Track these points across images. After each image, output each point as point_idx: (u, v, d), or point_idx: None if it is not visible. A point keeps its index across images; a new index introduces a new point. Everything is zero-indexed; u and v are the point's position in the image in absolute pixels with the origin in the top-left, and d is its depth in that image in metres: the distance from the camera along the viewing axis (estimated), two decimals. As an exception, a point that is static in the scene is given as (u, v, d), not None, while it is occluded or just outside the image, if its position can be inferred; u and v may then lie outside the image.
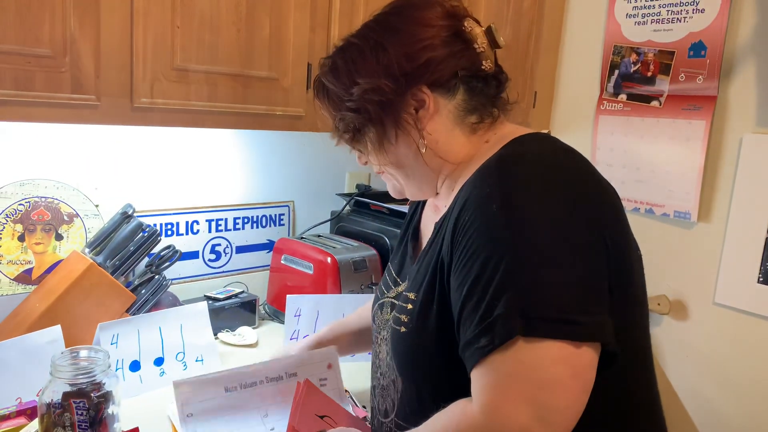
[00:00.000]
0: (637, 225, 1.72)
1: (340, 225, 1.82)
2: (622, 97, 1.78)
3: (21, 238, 1.33)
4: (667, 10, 1.67)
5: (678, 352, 1.71)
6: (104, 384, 0.93)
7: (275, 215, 1.78)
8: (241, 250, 1.72)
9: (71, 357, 0.95)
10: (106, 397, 0.93)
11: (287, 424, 0.92)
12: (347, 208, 1.85)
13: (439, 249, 0.81)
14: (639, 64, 1.74)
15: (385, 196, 1.71)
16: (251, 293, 1.62)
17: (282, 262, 1.64)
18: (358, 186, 1.90)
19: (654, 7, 1.69)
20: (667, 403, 0.89)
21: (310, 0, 1.31)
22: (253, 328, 1.56)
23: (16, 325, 1.22)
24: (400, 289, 0.93)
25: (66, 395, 0.90)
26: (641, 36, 1.73)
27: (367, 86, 0.84)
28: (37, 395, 0.95)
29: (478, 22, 0.89)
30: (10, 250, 1.32)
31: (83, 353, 0.97)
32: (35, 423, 0.95)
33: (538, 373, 0.67)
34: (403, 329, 0.85)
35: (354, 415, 1.04)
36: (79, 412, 0.91)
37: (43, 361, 1.08)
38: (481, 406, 0.69)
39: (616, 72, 1.79)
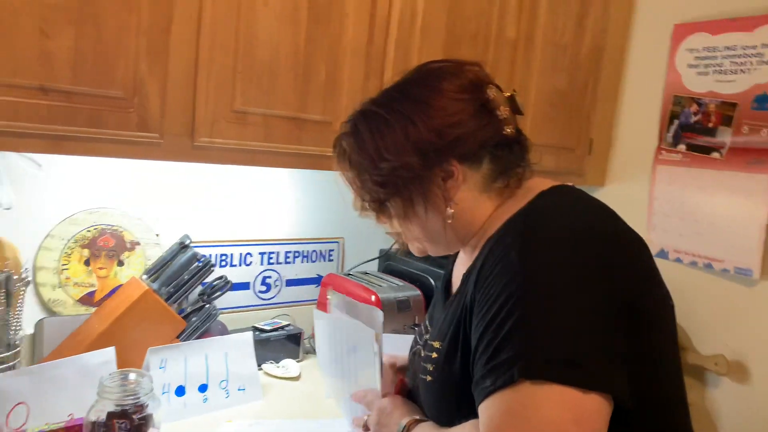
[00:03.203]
0: (694, 280, 1.68)
1: (387, 263, 1.84)
2: (682, 147, 1.74)
3: (87, 263, 1.43)
4: (731, 62, 1.63)
5: (737, 415, 1.61)
6: (147, 407, 0.99)
7: (325, 251, 1.82)
8: (290, 283, 1.77)
9: (119, 379, 1.01)
10: (147, 420, 0.98)
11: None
12: (395, 246, 1.87)
13: (464, 298, 0.82)
14: (700, 115, 1.70)
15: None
16: (297, 326, 1.65)
17: (328, 297, 1.67)
18: (408, 226, 1.92)
19: (717, 59, 1.66)
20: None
21: (365, 48, 1.36)
22: (297, 361, 1.59)
23: (77, 344, 1.30)
24: (427, 337, 0.94)
25: (110, 415, 0.96)
26: (703, 87, 1.69)
27: (397, 163, 0.84)
28: (87, 413, 1.00)
29: (499, 88, 0.89)
30: (76, 273, 1.42)
31: (130, 376, 1.02)
32: (81, 439, 1.01)
33: (537, 414, 0.66)
34: (429, 378, 0.86)
35: None
36: (121, 432, 0.96)
37: (96, 380, 1.13)
38: None
39: (676, 122, 1.75)
